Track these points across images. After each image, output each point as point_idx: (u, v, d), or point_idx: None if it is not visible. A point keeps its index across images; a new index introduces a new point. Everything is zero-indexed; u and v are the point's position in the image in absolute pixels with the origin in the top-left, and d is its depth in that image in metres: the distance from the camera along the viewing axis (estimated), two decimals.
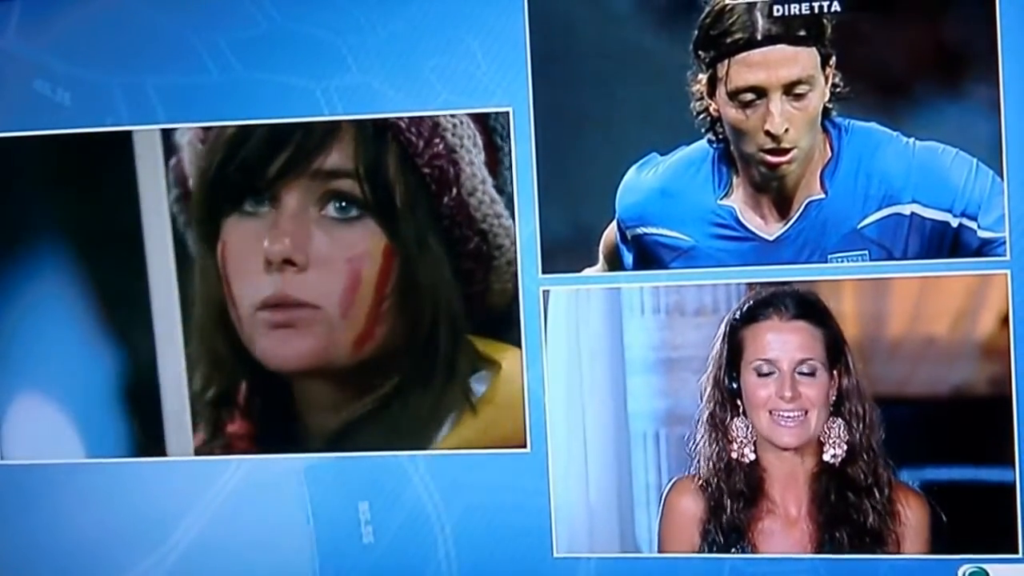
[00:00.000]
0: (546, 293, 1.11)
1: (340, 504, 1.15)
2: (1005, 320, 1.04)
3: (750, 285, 1.07)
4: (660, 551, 1.10)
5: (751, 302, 1.07)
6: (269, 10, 1.12)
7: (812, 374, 1.06)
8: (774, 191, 1.07)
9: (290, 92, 1.12)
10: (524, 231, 1.10)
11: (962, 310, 1.04)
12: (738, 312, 1.07)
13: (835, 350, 1.06)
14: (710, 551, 1.09)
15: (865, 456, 1.06)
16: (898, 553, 1.07)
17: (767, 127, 1.04)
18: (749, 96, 1.04)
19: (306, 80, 1.12)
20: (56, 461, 1.19)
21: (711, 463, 1.08)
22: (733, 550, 1.09)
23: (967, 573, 1.06)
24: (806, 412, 1.06)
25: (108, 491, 1.18)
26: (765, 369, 1.07)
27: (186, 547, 1.18)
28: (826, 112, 1.04)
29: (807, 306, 1.06)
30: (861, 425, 1.06)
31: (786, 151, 1.04)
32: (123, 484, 1.18)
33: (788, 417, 1.06)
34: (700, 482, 1.09)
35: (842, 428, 1.06)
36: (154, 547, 1.18)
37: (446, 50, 1.10)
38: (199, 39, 1.13)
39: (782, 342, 1.06)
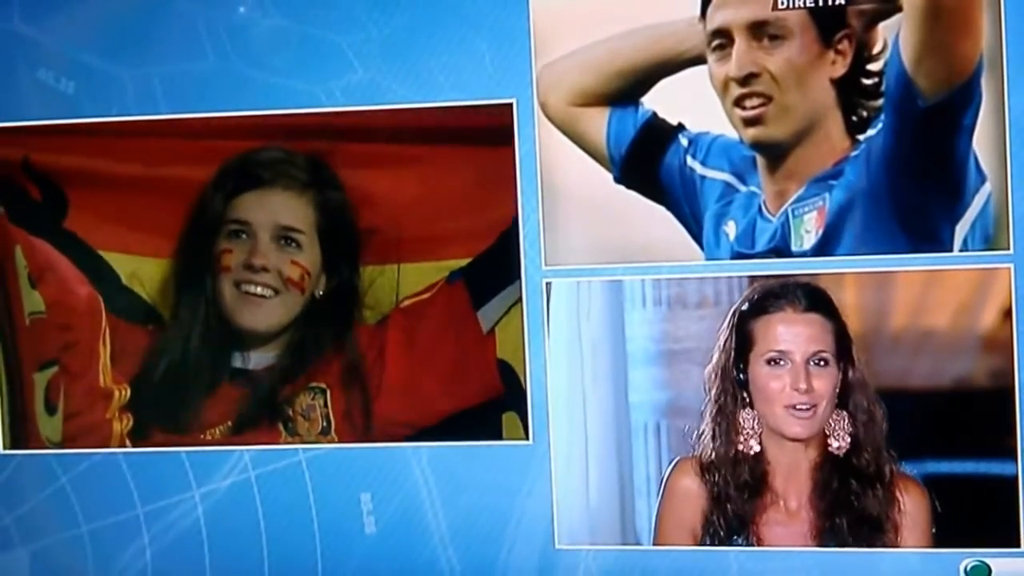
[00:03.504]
0: (548, 285, 1.11)
1: (342, 494, 1.15)
2: (1008, 314, 1.04)
3: (751, 278, 1.07)
4: (657, 533, 1.10)
5: (760, 292, 1.07)
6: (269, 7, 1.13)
7: (824, 366, 1.06)
8: None
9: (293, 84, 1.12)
10: (528, 223, 1.10)
11: (965, 304, 1.04)
12: (747, 303, 1.07)
13: (843, 343, 1.06)
14: (712, 542, 1.09)
15: (869, 448, 1.06)
16: (899, 542, 1.07)
17: None
18: None
19: (306, 79, 1.12)
20: (56, 452, 1.19)
21: (716, 454, 1.08)
22: (735, 539, 1.09)
23: (969, 567, 1.06)
24: (816, 404, 1.06)
25: (108, 479, 1.19)
26: (778, 361, 1.06)
27: (187, 534, 1.18)
28: None
29: (819, 298, 1.06)
30: (865, 417, 1.06)
31: None
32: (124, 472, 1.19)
33: (801, 409, 1.06)
34: (704, 463, 1.08)
35: (846, 420, 1.06)
36: (153, 533, 1.19)
37: (449, 43, 1.10)
38: (204, 25, 1.13)
39: (795, 334, 1.06)
